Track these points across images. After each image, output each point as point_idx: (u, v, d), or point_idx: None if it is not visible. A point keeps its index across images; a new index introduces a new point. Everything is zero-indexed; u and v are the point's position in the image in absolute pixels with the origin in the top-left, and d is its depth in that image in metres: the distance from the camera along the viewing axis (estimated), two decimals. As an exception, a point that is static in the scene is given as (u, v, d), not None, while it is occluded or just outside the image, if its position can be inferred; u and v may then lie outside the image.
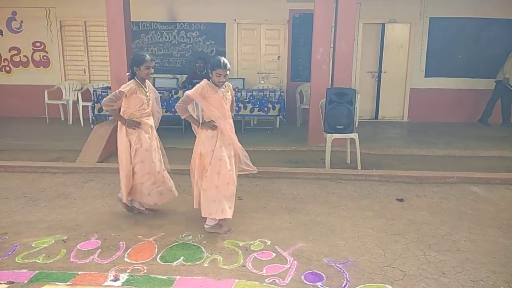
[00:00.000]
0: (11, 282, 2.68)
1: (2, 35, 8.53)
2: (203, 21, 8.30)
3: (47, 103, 7.97)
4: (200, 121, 3.46)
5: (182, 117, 3.50)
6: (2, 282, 2.68)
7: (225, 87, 3.48)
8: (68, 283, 2.70)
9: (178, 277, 2.78)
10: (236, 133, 3.56)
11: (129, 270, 2.86)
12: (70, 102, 8.08)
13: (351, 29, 6.13)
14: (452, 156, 6.04)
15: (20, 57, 8.62)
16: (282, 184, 4.74)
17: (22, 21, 8.47)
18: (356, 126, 5.60)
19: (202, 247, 3.20)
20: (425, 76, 8.41)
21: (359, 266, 2.92)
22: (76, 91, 8.06)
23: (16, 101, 8.59)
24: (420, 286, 2.68)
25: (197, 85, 3.39)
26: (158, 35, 8.41)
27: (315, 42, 6.18)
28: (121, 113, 3.70)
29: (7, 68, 8.66)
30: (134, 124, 3.65)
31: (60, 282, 2.71)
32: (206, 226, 3.48)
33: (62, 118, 8.28)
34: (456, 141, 6.70)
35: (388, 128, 7.89)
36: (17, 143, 6.45)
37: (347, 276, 2.79)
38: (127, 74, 3.73)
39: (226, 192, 3.36)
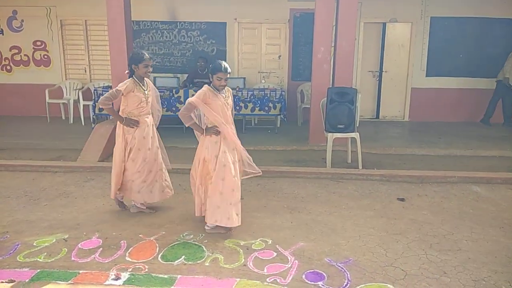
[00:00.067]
0: (12, 281, 2.68)
1: (3, 34, 8.52)
2: (204, 20, 8.29)
3: (48, 102, 7.97)
4: (203, 127, 3.45)
5: (186, 125, 3.46)
6: (4, 281, 2.68)
7: (226, 92, 3.47)
8: (69, 282, 2.70)
9: (179, 276, 2.78)
10: (236, 133, 3.55)
11: (130, 269, 2.86)
12: (71, 101, 8.08)
13: (352, 29, 6.12)
14: (453, 156, 6.04)
15: (20, 56, 8.62)
16: (283, 184, 4.74)
17: (22, 20, 8.47)
18: (357, 125, 5.59)
19: (203, 246, 3.20)
20: (426, 76, 8.41)
21: (360, 266, 2.92)
22: (77, 90, 8.06)
23: (17, 100, 8.58)
24: (421, 285, 2.68)
25: (199, 92, 3.37)
26: (159, 34, 8.41)
27: (316, 41, 6.17)
28: (120, 112, 3.70)
29: (8, 67, 8.66)
30: (132, 123, 3.65)
31: (61, 281, 2.71)
32: (206, 228, 3.47)
33: (63, 117, 8.28)
34: (457, 141, 6.69)
35: (389, 128, 7.88)
36: (18, 142, 6.45)
37: (348, 275, 2.79)
38: (126, 72, 3.72)
39: (231, 198, 3.33)
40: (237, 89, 6.89)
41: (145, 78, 3.73)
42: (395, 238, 3.38)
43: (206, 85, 3.41)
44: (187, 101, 3.39)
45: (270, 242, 3.29)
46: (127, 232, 3.45)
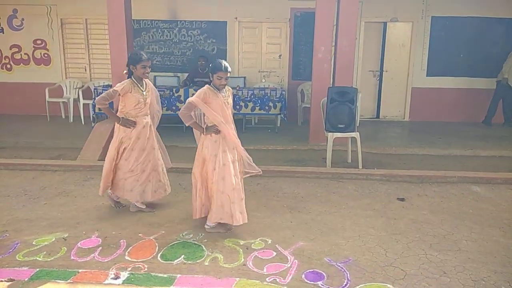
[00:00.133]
0: (11, 280, 2.68)
1: (3, 33, 8.52)
2: (204, 19, 8.29)
3: (47, 101, 7.96)
4: (203, 127, 3.44)
5: (187, 125, 3.46)
6: (3, 280, 2.68)
7: (226, 92, 3.47)
8: (68, 281, 2.70)
9: (178, 275, 2.78)
10: (237, 132, 3.55)
11: (129, 268, 2.86)
12: (71, 100, 8.07)
13: (352, 28, 6.12)
14: (453, 156, 6.04)
15: (21, 54, 8.61)
16: (283, 183, 4.74)
17: (23, 19, 8.46)
18: (357, 125, 5.59)
19: (203, 246, 3.20)
20: (427, 75, 8.39)
21: (360, 265, 2.92)
22: (77, 89, 8.05)
23: (17, 99, 8.58)
24: (421, 285, 2.68)
25: (199, 91, 3.37)
26: (159, 33, 8.40)
27: (317, 40, 6.17)
28: (118, 112, 3.73)
29: (8, 66, 8.66)
30: (129, 123, 3.66)
31: (60, 280, 2.71)
32: (206, 227, 3.47)
33: (63, 116, 8.27)
34: (457, 141, 6.69)
35: (389, 127, 7.88)
36: (18, 141, 6.45)
37: (348, 275, 2.79)
38: (124, 72, 3.72)
39: (233, 197, 3.32)
40: (237, 88, 6.89)
41: (144, 79, 3.73)
42: (395, 238, 3.37)
43: (206, 85, 3.41)
44: (187, 101, 3.39)
45: (269, 241, 3.29)
46: (127, 231, 3.45)
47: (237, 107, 6.77)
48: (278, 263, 2.95)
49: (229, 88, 3.56)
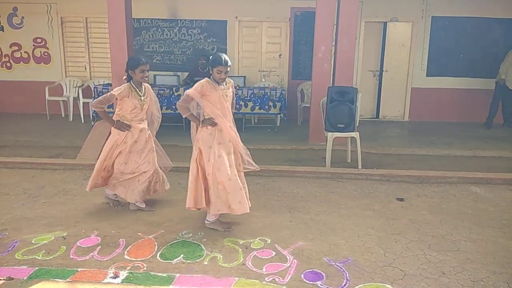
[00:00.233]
0: (10, 278, 2.68)
1: (3, 31, 8.51)
2: (205, 18, 8.28)
3: (47, 100, 7.96)
4: (200, 119, 3.46)
5: (184, 116, 3.49)
6: (2, 278, 2.68)
7: (226, 84, 3.47)
8: (67, 280, 2.70)
9: (178, 274, 2.78)
10: (236, 127, 3.55)
11: (129, 267, 2.86)
12: (71, 99, 8.07)
13: (353, 28, 6.11)
14: (453, 156, 6.04)
15: (21, 53, 8.61)
16: (282, 183, 4.74)
17: (23, 17, 8.46)
18: (357, 125, 5.59)
19: (202, 245, 3.20)
20: (427, 76, 8.40)
21: (359, 265, 2.92)
22: (77, 88, 8.04)
23: (17, 98, 8.58)
24: (420, 285, 2.68)
25: (197, 84, 3.38)
26: (159, 32, 8.39)
27: (317, 40, 6.17)
28: (115, 114, 3.76)
29: (8, 64, 8.65)
30: (124, 127, 3.68)
31: (59, 278, 2.71)
32: (206, 222, 3.48)
33: (63, 115, 8.27)
34: (457, 141, 6.69)
35: (389, 127, 7.88)
36: (18, 140, 6.44)
37: (347, 275, 2.79)
38: (123, 78, 3.74)
39: (229, 188, 3.31)
40: (237, 87, 6.87)
41: (144, 84, 3.73)
42: (394, 238, 3.38)
43: (206, 78, 3.41)
44: (185, 93, 3.42)
45: (269, 241, 3.29)
46: (126, 230, 3.45)
47: (237, 106, 6.76)
48: (277, 262, 2.95)
49: (230, 80, 3.55)
